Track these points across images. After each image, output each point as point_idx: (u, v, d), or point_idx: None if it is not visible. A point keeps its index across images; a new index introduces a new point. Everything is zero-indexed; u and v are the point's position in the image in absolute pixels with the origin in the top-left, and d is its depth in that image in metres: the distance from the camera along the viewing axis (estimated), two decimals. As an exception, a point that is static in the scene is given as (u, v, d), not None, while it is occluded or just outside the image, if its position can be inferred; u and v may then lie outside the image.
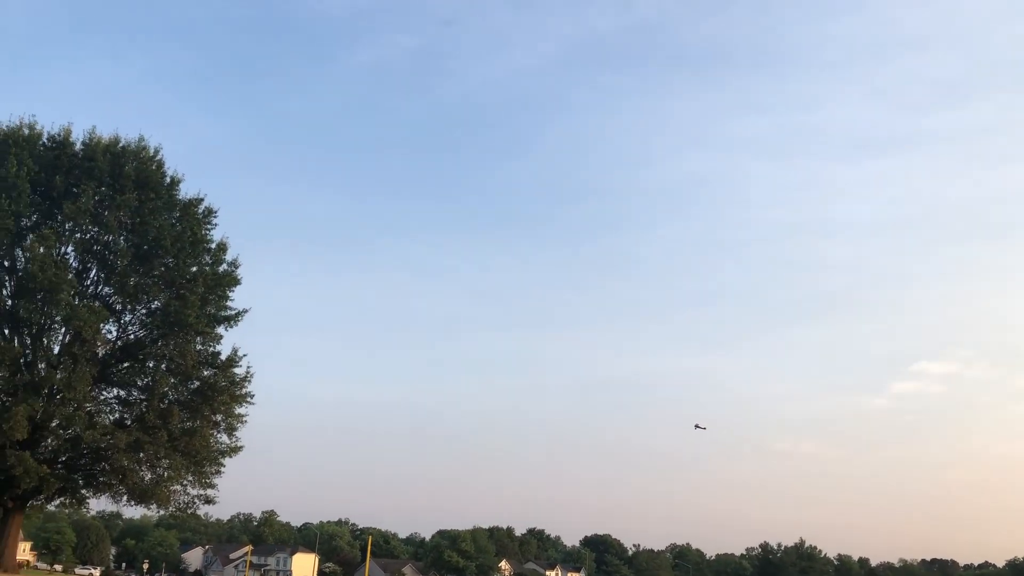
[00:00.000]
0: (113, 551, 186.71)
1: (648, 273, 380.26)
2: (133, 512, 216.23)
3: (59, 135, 42.42)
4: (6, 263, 40.36)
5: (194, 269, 43.39)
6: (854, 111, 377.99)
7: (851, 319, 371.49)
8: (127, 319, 43.70)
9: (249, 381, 44.30)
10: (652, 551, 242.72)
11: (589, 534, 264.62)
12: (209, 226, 44.70)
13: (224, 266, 44.72)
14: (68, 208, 40.07)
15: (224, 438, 44.51)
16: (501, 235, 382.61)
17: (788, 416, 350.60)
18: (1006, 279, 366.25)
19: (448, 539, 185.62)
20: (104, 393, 43.76)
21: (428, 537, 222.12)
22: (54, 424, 40.53)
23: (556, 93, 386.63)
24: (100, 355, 41.96)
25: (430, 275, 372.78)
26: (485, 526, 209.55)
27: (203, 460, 43.44)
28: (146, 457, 41.85)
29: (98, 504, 48.05)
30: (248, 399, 44.35)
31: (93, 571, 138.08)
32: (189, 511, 45.90)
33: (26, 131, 41.76)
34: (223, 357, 43.89)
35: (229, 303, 44.79)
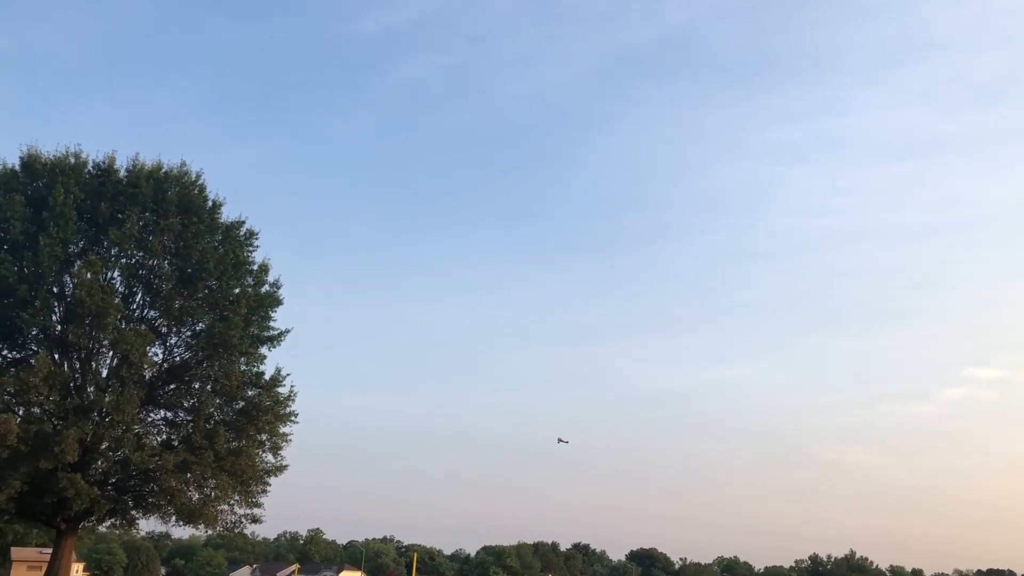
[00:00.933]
0: (163, 571, 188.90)
1: (687, 284, 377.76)
2: (182, 532, 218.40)
3: (103, 163, 43.25)
4: (55, 289, 41.08)
5: (237, 291, 43.90)
6: (889, 115, 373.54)
7: (898, 325, 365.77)
8: (172, 341, 44.31)
9: (293, 400, 44.63)
10: (699, 564, 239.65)
11: (635, 548, 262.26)
12: (251, 248, 45.31)
13: (266, 287, 45.24)
14: (114, 234, 40.82)
15: (269, 457, 44.87)
16: (537, 249, 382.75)
17: (835, 425, 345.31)
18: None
19: (493, 555, 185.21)
20: (151, 415, 44.33)
21: (473, 553, 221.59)
22: (104, 446, 41.09)
23: (589, 107, 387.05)
24: (147, 377, 42.58)
25: (468, 291, 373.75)
26: (530, 541, 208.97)
27: (249, 479, 43.76)
28: (193, 477, 42.25)
29: (147, 525, 48.70)
30: (292, 418, 44.68)
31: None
32: (236, 530, 46.17)
33: (72, 160, 42.66)
34: (267, 377, 44.28)
35: (272, 323, 45.29)
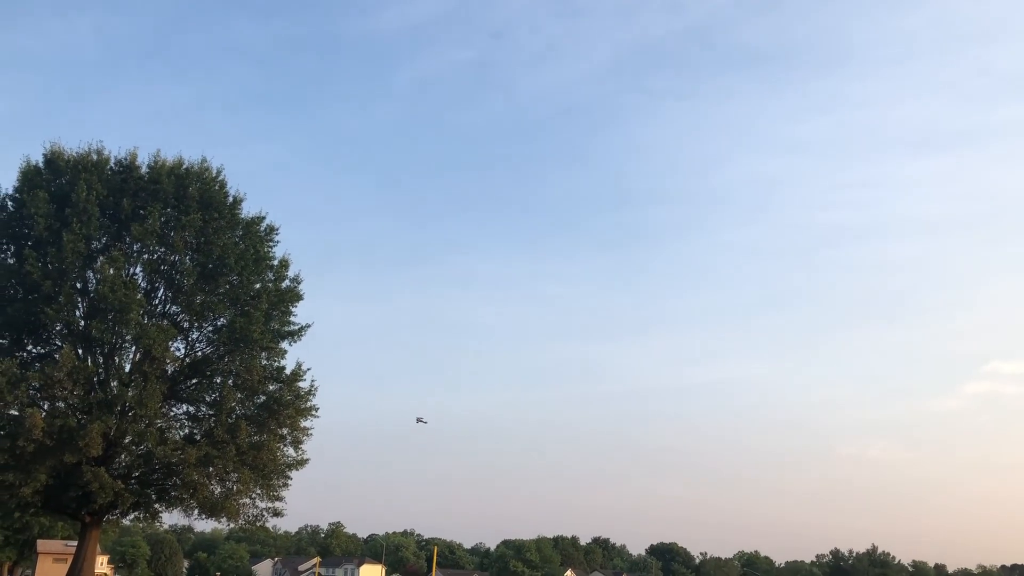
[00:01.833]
0: (186, 564, 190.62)
1: (708, 279, 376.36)
2: (204, 526, 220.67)
3: (125, 159, 43.55)
4: (78, 285, 41.42)
5: (257, 286, 44.13)
6: (917, 107, 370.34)
7: (920, 319, 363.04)
8: (194, 336, 44.59)
9: (313, 395, 44.86)
10: (719, 559, 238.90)
11: (655, 542, 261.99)
12: (271, 243, 45.52)
13: (287, 282, 45.45)
14: (136, 230, 41.13)
15: (290, 451, 45.11)
16: (562, 245, 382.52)
17: (856, 420, 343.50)
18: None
19: (513, 549, 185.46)
20: (174, 409, 44.64)
21: (493, 547, 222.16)
22: (127, 440, 41.47)
23: (611, 100, 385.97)
24: (169, 372, 42.90)
25: (489, 286, 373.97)
26: (550, 535, 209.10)
27: (271, 473, 44.04)
28: (215, 471, 42.53)
29: (170, 518, 49.13)
30: (313, 412, 44.88)
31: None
32: (258, 524, 46.46)
33: (94, 156, 42.98)
34: (288, 371, 44.50)
35: (292, 318, 45.53)
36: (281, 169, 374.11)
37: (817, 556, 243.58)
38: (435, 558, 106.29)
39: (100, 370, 41.64)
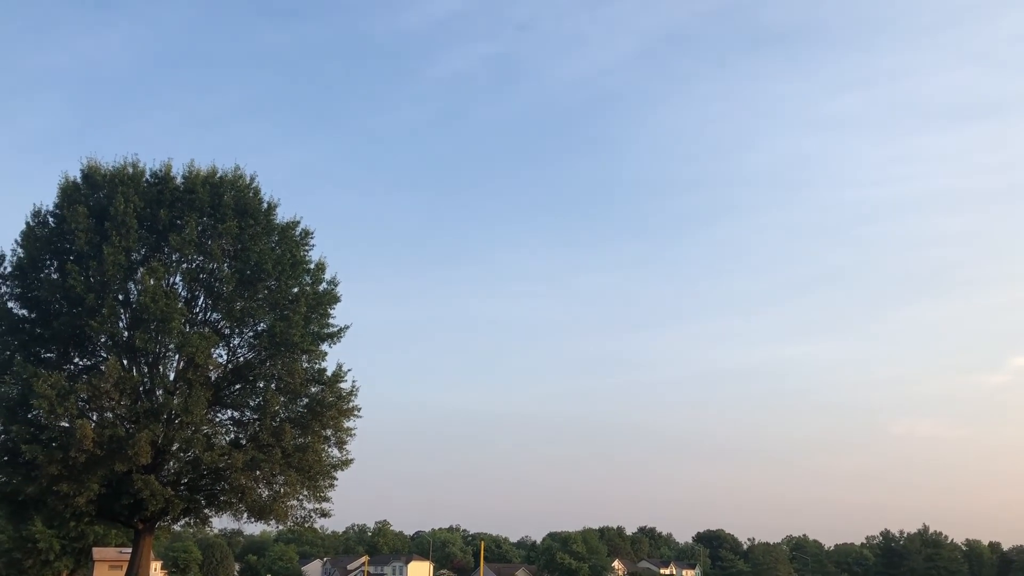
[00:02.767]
0: (237, 567, 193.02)
1: (750, 262, 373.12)
2: (253, 529, 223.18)
3: (160, 171, 44.10)
4: (120, 296, 42.01)
5: (295, 290, 44.49)
6: (951, 78, 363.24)
7: (966, 294, 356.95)
8: (235, 342, 45.10)
9: (355, 395, 45.17)
10: (768, 544, 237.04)
11: (701, 530, 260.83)
12: (307, 247, 45.91)
13: (324, 285, 45.80)
14: (174, 240, 41.66)
15: (335, 452, 45.45)
16: (594, 235, 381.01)
17: (904, 398, 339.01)
18: None
19: (559, 541, 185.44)
20: (219, 415, 45.16)
21: (539, 540, 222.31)
22: (175, 447, 42.08)
23: (640, 88, 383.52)
24: (213, 379, 43.42)
25: (525, 280, 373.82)
26: (595, 526, 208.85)
27: (316, 475, 44.39)
28: (262, 475, 42.97)
29: (220, 522, 49.80)
30: (355, 412, 45.20)
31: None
32: (306, 525, 46.89)
33: (130, 170, 43.56)
34: (329, 373, 44.83)
35: (331, 320, 45.86)
36: (312, 173, 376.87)
37: (867, 538, 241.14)
38: (482, 552, 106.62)
39: (145, 379, 42.27)
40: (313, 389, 44.43)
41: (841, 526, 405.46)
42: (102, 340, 41.84)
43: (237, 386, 44.95)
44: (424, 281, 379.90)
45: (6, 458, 41.08)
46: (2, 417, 40.34)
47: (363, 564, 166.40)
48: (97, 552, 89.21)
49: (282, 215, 45.66)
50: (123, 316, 41.99)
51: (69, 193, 43.00)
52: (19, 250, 42.97)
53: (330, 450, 45.17)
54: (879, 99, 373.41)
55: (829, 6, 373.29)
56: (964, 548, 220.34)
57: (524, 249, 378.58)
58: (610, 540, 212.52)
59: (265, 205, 45.04)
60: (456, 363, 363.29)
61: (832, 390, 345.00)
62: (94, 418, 40.81)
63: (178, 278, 43.33)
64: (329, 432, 44.58)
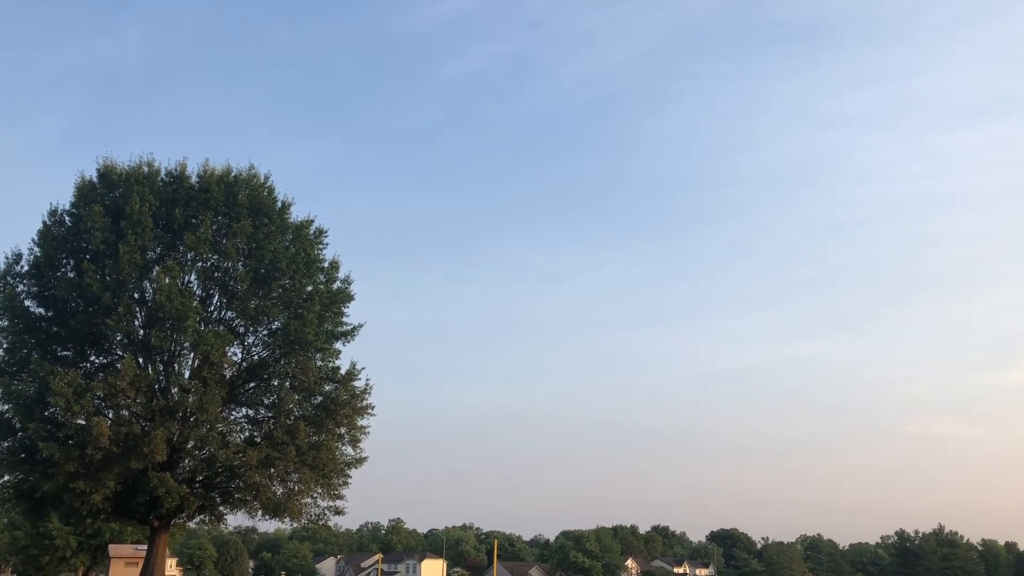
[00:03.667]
0: (251, 564, 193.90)
1: (762, 260, 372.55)
2: (268, 526, 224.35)
3: (175, 170, 44.30)
4: (136, 295, 42.22)
5: (309, 288, 44.60)
6: (964, 76, 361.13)
7: (981, 291, 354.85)
8: (250, 341, 45.20)
9: (369, 393, 45.24)
10: (782, 543, 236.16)
11: (715, 529, 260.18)
12: (321, 246, 45.99)
13: (337, 283, 45.89)
14: (189, 239, 41.85)
15: (349, 450, 45.53)
16: (605, 234, 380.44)
17: (918, 397, 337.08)
18: None
19: (573, 539, 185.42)
20: (234, 413, 45.28)
21: (552, 538, 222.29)
22: (190, 445, 42.27)
23: (651, 85, 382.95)
24: (227, 377, 43.54)
25: (537, 279, 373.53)
26: (608, 525, 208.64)
27: (331, 472, 44.48)
28: (277, 472, 43.12)
29: (235, 520, 49.93)
30: (369, 411, 45.27)
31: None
32: (320, 522, 46.93)
33: (146, 169, 43.78)
34: (343, 371, 44.94)
35: (345, 319, 45.96)
36: (326, 171, 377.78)
37: (882, 537, 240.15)
38: (495, 550, 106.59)
39: (161, 377, 42.46)
40: (327, 387, 44.52)
41: (856, 526, 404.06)
42: (118, 338, 42.03)
43: (252, 384, 45.08)
44: (436, 279, 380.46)
45: (23, 455, 41.37)
46: (19, 415, 40.62)
47: (377, 562, 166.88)
48: (113, 549, 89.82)
49: (296, 214, 45.87)
50: (139, 314, 42.14)
51: (85, 192, 43.25)
52: (36, 249, 43.24)
53: (344, 448, 45.26)
54: (888, 97, 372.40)
55: (841, 3, 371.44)
56: (980, 548, 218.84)
57: (534, 247, 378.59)
58: (623, 539, 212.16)
59: (279, 204, 45.17)
60: (469, 361, 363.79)
61: (847, 388, 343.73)
62: (110, 416, 40.96)
63: (193, 277, 43.46)
64: (343, 430, 44.66)
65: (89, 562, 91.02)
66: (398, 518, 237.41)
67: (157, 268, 41.72)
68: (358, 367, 45.15)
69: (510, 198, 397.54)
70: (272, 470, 42.63)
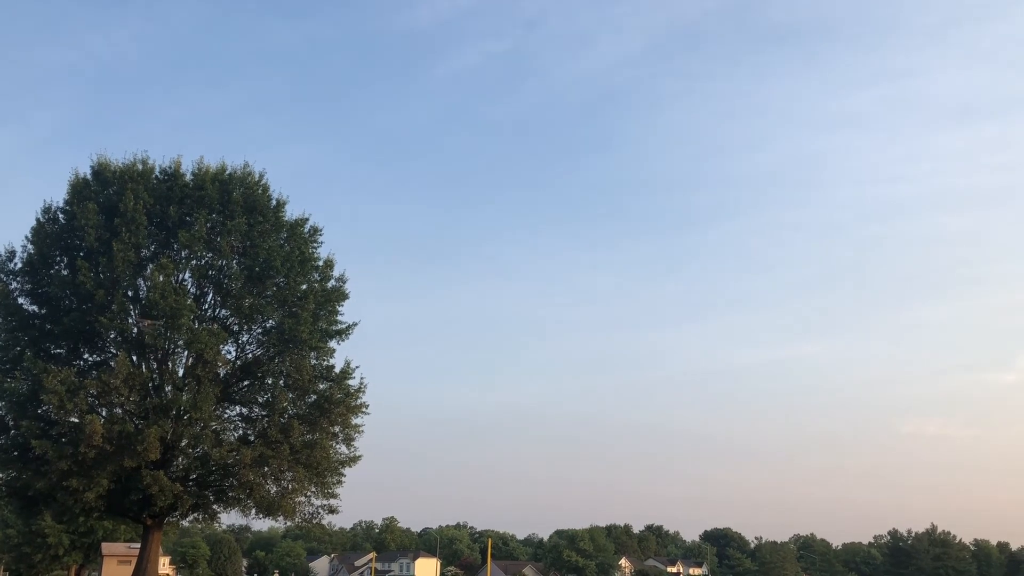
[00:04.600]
0: (245, 563, 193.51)
1: (756, 261, 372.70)
2: (261, 525, 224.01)
3: (170, 167, 44.15)
4: (130, 293, 42.16)
5: (304, 287, 44.53)
6: (960, 76, 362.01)
7: (974, 292, 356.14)
8: (244, 339, 45.15)
9: (363, 392, 45.21)
10: (775, 543, 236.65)
11: (709, 528, 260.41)
12: (315, 244, 45.93)
13: (332, 282, 45.84)
14: (183, 236, 41.74)
15: (343, 448, 45.51)
16: (607, 234, 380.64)
17: (913, 397, 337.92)
18: None
19: (566, 539, 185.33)
20: (228, 411, 45.25)
21: (546, 538, 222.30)
22: (184, 443, 42.18)
23: (646, 86, 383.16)
24: (221, 375, 43.50)
25: (532, 279, 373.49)
26: (602, 524, 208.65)
27: (324, 471, 44.46)
28: (271, 471, 43.09)
29: (228, 518, 49.73)
30: (363, 409, 45.24)
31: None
32: (314, 521, 46.93)
33: (140, 166, 43.65)
34: (337, 370, 44.92)
35: (339, 318, 45.91)
36: (321, 170, 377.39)
37: (875, 537, 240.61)
38: (489, 549, 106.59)
39: (154, 375, 42.36)
40: (321, 386, 44.49)
41: (849, 525, 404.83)
42: (112, 336, 41.96)
43: (246, 383, 45.05)
44: (431, 278, 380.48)
45: (16, 453, 41.30)
46: (12, 412, 40.54)
47: (370, 561, 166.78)
48: (106, 547, 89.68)
49: (291, 212, 45.78)
50: (132, 312, 42.03)
51: (79, 190, 43.12)
52: (29, 246, 43.13)
53: (338, 447, 45.26)
54: (887, 98, 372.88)
55: (838, 4, 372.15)
56: (972, 548, 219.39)
57: (530, 247, 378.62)
58: (617, 538, 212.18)
59: (274, 202, 45.10)
60: (466, 360, 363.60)
61: (841, 389, 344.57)
62: (103, 414, 40.91)
63: (187, 275, 43.41)
64: (337, 429, 44.66)
65: (82, 560, 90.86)
66: (392, 517, 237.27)
67: (151, 266, 41.64)
68: (352, 366, 45.22)
69: (505, 197, 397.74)
70: (266, 468, 42.59)
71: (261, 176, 45.24)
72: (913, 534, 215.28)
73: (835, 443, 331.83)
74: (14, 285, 43.10)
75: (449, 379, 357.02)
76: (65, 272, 42.11)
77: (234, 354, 44.72)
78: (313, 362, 44.41)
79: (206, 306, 44.23)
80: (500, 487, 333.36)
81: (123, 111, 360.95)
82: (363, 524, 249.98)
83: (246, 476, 41.99)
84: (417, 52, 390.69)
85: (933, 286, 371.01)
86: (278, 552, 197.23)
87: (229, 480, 43.89)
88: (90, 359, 43.58)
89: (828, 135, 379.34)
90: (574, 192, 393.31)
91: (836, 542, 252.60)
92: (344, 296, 46.06)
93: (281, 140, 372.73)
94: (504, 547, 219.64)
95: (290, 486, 43.97)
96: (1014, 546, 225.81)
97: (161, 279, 40.57)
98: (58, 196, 44.10)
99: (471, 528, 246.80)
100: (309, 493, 45.12)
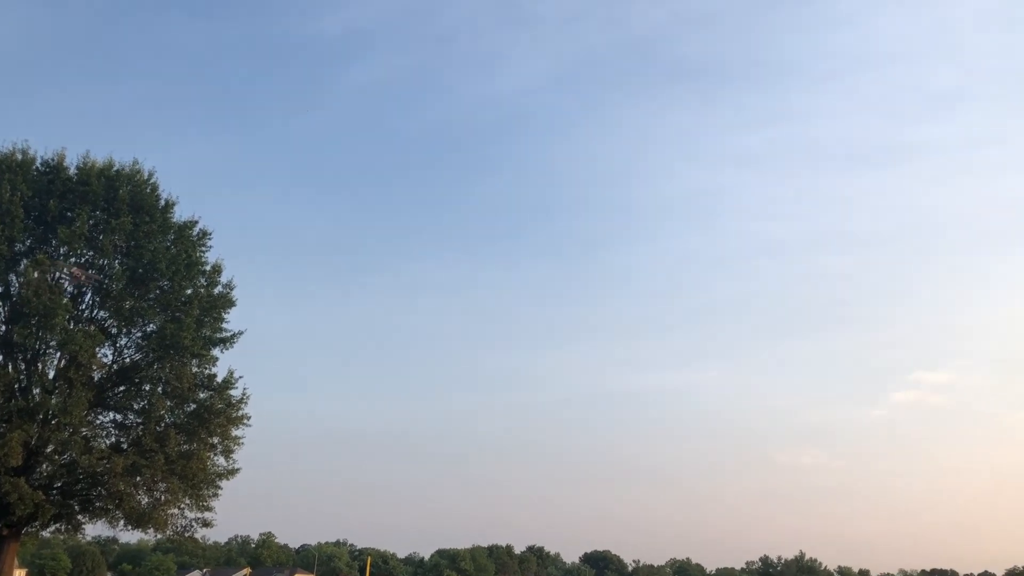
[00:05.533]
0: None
1: (646, 288, 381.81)
2: (130, 537, 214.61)
3: (53, 160, 42.30)
4: (0, 288, 40.18)
5: (189, 292, 43.24)
6: (848, 123, 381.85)
7: (849, 330, 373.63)
8: (123, 343, 43.41)
9: (245, 403, 43.99)
10: (652, 566, 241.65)
11: (589, 550, 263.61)
12: (203, 248, 44.63)
13: (219, 288, 44.63)
14: (63, 232, 40.00)
15: (221, 460, 44.19)
16: (500, 252, 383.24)
17: (790, 427, 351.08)
18: (1002, 288, 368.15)
19: (447, 558, 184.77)
20: (100, 417, 43.36)
21: (427, 556, 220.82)
22: (49, 450, 40.20)
23: (552, 110, 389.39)
24: (96, 379, 41.74)
25: (429, 293, 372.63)
26: (484, 544, 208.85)
27: (200, 483, 43.08)
28: (143, 481, 41.47)
29: (94, 529, 47.65)
30: (244, 421, 44.06)
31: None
32: (187, 535, 45.32)
33: (19, 156, 41.67)
34: (219, 379, 43.68)
35: (224, 325, 44.66)
36: (215, 174, 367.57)
37: (747, 563, 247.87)
38: (368, 567, 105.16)
39: (22, 376, 40.31)
40: (202, 395, 43.19)
41: (724, 550, 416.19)
42: (-24, 334, 39.76)
43: (121, 388, 43.31)
44: (326, 289, 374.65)
45: None
46: None
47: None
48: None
49: (181, 214, 44.44)
50: (2, 310, 40.12)
51: (-50, 177, 40.81)
52: None
53: (216, 458, 43.93)
54: (775, 139, 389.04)
55: (736, 48, 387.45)
56: (836, 574, 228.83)
57: (432, 261, 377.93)
58: (498, 558, 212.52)
59: (163, 203, 43.72)
60: (353, 374, 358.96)
61: (722, 418, 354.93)
62: (-38, 415, 38.67)
63: (64, 272, 41.60)
64: (216, 440, 43.38)
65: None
66: (269, 532, 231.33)
67: (25, 261, 39.75)
68: (235, 375, 43.98)
69: (407, 210, 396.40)
70: (138, 478, 40.96)
71: (151, 175, 43.83)
72: (783, 560, 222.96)
73: (714, 470, 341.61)
74: None
75: (337, 392, 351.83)
76: (-71, 263, 39.77)
77: (111, 357, 42.98)
78: (195, 370, 43.05)
79: (83, 306, 42.39)
80: (382, 505, 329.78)
81: (4, 99, 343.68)
82: (239, 538, 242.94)
83: (116, 486, 40.30)
84: (326, 61, 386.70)
85: (812, 322, 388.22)
86: (147, 566, 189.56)
87: (97, 489, 42.01)
88: (-49, 357, 41.16)
89: (721, 171, 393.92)
90: (477, 208, 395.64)
91: (710, 566, 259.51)
92: (231, 303, 44.87)
93: (176, 140, 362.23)
94: (384, 565, 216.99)
95: (163, 497, 42.40)
96: (874, 573, 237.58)
97: (35, 276, 38.77)
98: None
99: (351, 545, 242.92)
100: (183, 505, 43.57)
